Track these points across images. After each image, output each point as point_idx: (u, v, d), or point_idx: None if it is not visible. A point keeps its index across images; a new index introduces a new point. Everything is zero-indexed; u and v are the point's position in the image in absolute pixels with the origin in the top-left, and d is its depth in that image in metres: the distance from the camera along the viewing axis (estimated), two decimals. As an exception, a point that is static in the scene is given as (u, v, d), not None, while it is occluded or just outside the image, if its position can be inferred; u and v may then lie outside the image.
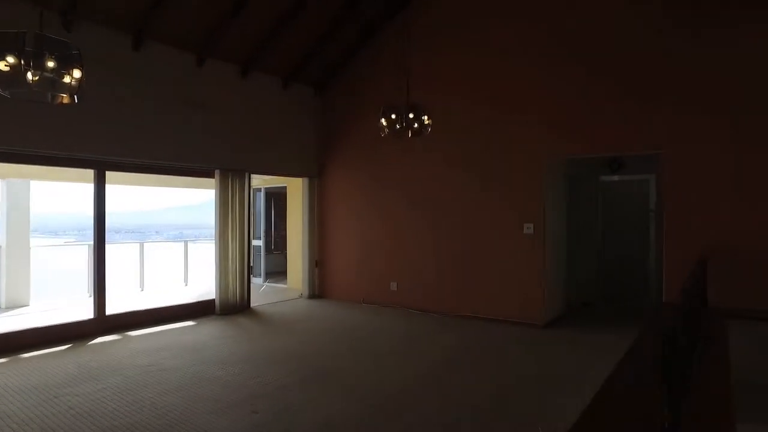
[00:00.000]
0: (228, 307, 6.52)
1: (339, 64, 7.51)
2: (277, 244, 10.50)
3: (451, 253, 6.50)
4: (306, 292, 7.77)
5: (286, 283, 8.98)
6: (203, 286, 8.71)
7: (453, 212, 6.48)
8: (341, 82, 7.66)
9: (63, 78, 2.54)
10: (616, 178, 7.27)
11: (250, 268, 6.95)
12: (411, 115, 4.64)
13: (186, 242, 9.27)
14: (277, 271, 10.06)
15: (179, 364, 4.37)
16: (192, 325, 5.91)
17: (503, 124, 6.05)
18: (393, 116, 4.71)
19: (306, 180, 7.80)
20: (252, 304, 6.98)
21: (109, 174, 5.55)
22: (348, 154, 7.57)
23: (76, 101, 2.66)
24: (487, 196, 6.19)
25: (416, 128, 4.72)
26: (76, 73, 2.56)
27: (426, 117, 4.65)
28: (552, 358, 4.69)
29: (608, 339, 5.19)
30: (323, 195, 7.86)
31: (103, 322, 5.52)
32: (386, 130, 4.80)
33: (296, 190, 8.47)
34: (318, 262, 7.87)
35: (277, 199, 10.27)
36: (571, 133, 5.61)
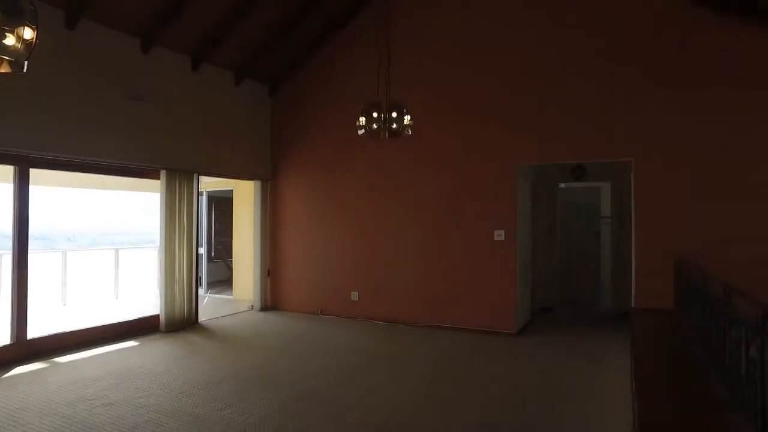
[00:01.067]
0: (175, 323, 5.82)
1: (297, 60, 7.05)
2: (218, 252, 9.75)
3: (419, 260, 6.27)
4: (258, 304, 7.19)
5: (231, 294, 8.30)
6: (138, 299, 7.84)
7: (421, 218, 6.26)
8: (299, 80, 7.20)
9: (5, 37, 1.93)
10: (574, 185, 7.46)
11: (198, 279, 6.27)
12: (394, 114, 4.35)
13: (117, 250, 8.27)
14: (218, 281, 9.33)
15: (129, 396, 3.71)
16: (135, 346, 5.17)
17: (474, 129, 5.94)
18: (375, 114, 4.41)
19: (258, 183, 7.24)
20: (200, 319, 6.31)
21: (34, 173, 4.73)
22: (304, 156, 7.12)
23: (23, 71, 2.02)
24: (458, 202, 6.04)
25: (395, 128, 4.43)
26: (27, 33, 1.95)
27: (408, 117, 4.37)
28: (546, 368, 4.56)
29: (583, 345, 5.23)
30: (277, 199, 7.34)
31: (25, 348, 4.66)
32: (364, 129, 4.49)
33: (245, 193, 7.86)
34: (270, 271, 7.32)
35: (219, 204, 9.55)
36: (544, 140, 5.60)
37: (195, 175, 6.12)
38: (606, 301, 7.51)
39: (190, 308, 6.05)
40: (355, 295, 6.68)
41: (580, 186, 7.54)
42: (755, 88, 4.72)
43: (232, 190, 8.33)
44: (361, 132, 4.51)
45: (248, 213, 7.78)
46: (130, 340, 5.35)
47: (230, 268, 8.72)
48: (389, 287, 6.44)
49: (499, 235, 5.81)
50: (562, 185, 7.42)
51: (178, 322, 5.85)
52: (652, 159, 5.12)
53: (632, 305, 5.18)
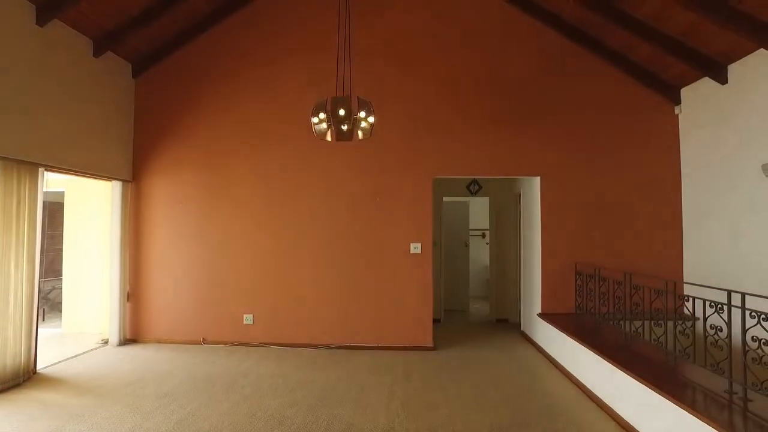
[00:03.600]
0: (6, 379, 4.13)
1: (180, 37, 5.84)
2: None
3: (327, 276, 5.74)
4: (115, 337, 5.64)
5: (60, 326, 6.36)
6: None
7: (330, 229, 5.75)
8: (176, 61, 5.95)
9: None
10: (451, 199, 7.84)
11: (42, 312, 4.59)
12: (363, 114, 3.82)
13: None
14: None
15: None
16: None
17: (393, 139, 5.72)
18: (322, 115, 3.81)
19: (118, 185, 5.72)
20: (38, 367, 4.63)
21: None
22: (182, 154, 5.90)
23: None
24: (373, 213, 5.73)
25: (347, 129, 3.90)
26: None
27: (371, 117, 3.87)
28: (494, 380, 4.54)
29: (500, 355, 5.44)
30: (142, 205, 5.91)
31: None
32: (321, 131, 3.87)
33: (89, 197, 6.16)
34: (130, 294, 5.85)
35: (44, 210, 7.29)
36: (463, 156, 5.72)
37: (39, 170, 4.49)
38: (482, 310, 8.08)
39: (28, 354, 4.37)
40: (248, 318, 5.77)
41: (451, 200, 8.00)
42: (621, 120, 5.63)
43: (63, 192, 6.43)
44: (327, 136, 3.89)
45: (90, 221, 6.13)
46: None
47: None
48: (290, 307, 5.74)
49: (416, 247, 5.71)
50: (445, 199, 7.72)
51: (9, 377, 4.16)
52: (555, 177, 5.65)
53: (540, 310, 5.62)
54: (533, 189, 5.88)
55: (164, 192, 5.89)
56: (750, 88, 4.50)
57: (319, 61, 5.80)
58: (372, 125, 3.92)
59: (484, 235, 9.40)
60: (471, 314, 7.96)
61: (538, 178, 5.68)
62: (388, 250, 5.71)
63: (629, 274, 4.17)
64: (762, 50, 4.26)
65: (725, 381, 2.96)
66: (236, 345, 5.70)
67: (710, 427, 2.60)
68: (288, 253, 5.77)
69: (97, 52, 5.24)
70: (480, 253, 9.43)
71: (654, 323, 3.85)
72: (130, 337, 5.81)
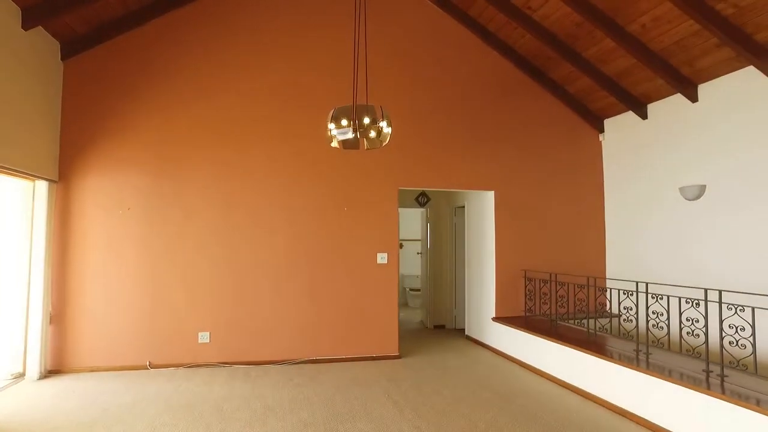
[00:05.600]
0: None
1: (129, 17, 5.15)
2: None
3: (293, 289, 5.49)
4: (36, 369, 4.65)
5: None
6: None
7: (294, 239, 5.53)
8: (118, 46, 5.22)
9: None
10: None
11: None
12: (381, 123, 3.78)
13: None
14: None
15: None
16: None
17: (360, 152, 5.72)
18: (345, 122, 3.74)
19: (43, 185, 4.78)
20: (-48, 411, 3.65)
21: None
22: (127, 155, 5.18)
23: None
24: (339, 223, 5.65)
25: (357, 137, 3.85)
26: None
27: (386, 123, 3.85)
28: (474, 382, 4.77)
29: (463, 358, 5.74)
30: (73, 210, 5.02)
31: None
32: (335, 140, 3.76)
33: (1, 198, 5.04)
34: (53, 316, 4.90)
35: None
36: (426, 168, 5.96)
37: (-33, 164, 3.59)
38: (412, 317, 8.39)
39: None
40: (203, 337, 5.24)
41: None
42: (560, 141, 6.44)
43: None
44: (335, 144, 3.77)
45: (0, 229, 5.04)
46: None
47: None
48: (251, 322, 5.36)
49: (383, 257, 5.77)
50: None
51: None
52: (507, 191, 6.20)
53: (494, 315, 6.07)
54: (485, 202, 6.36)
55: (102, 196, 5.09)
56: (667, 125, 5.53)
57: (289, 63, 5.62)
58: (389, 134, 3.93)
59: (401, 245, 9.74)
60: (403, 322, 8.20)
61: (492, 192, 6.18)
62: (356, 261, 5.69)
63: (577, 277, 4.80)
64: (679, 94, 5.28)
65: (633, 343, 3.63)
66: (191, 367, 5.13)
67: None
68: (248, 265, 5.39)
69: (27, 24, 4.38)
70: (404, 262, 9.73)
71: (582, 315, 4.62)
72: (53, 368, 4.86)
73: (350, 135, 3.74)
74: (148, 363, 5.07)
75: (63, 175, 5.02)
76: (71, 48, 5.06)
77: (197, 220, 5.29)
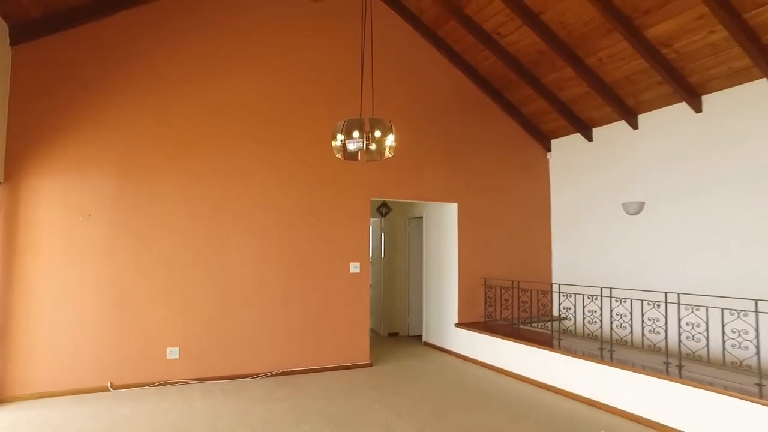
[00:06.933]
0: None
1: (96, 4, 4.71)
2: None
3: (265, 300, 5.33)
4: (-23, 397, 4.04)
5: None
6: None
7: (268, 252, 5.39)
8: (85, 37, 4.75)
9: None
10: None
11: None
12: (378, 134, 3.86)
13: None
14: None
15: None
16: None
17: (333, 159, 5.73)
18: (357, 135, 3.79)
19: (-11, 184, 4.20)
20: None
21: None
22: (88, 155, 4.70)
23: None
24: (312, 233, 5.61)
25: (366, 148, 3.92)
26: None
27: (392, 136, 3.94)
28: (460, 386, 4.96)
29: (431, 364, 5.95)
30: (21, 214, 4.44)
31: None
32: (340, 151, 3.80)
33: None
34: (-6, 334, 4.29)
35: None
36: (397, 180, 6.12)
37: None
38: (371, 325, 8.44)
39: None
40: (172, 352, 4.89)
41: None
42: (515, 158, 6.98)
43: None
44: (338, 155, 3.80)
45: None
46: None
47: None
48: (222, 336, 5.12)
49: (355, 267, 5.82)
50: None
51: None
52: (469, 203, 6.56)
53: (457, 321, 6.37)
54: (447, 213, 6.67)
55: (58, 200, 4.57)
56: (610, 148, 6.25)
57: (265, 74, 5.50)
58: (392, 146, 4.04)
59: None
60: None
61: (456, 204, 6.51)
62: (329, 271, 5.67)
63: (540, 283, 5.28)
64: (623, 121, 6.01)
65: (597, 342, 4.19)
66: (159, 385, 4.76)
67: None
68: (220, 278, 5.15)
69: (-19, 4, 3.87)
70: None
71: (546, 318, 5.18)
72: (-7, 394, 4.26)
73: (361, 146, 3.80)
74: (109, 384, 4.62)
75: (10, 175, 4.44)
76: (23, 32, 4.51)
77: (166, 228, 4.95)
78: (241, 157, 5.32)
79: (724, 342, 3.75)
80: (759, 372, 3.51)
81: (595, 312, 4.87)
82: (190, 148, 5.10)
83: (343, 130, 3.79)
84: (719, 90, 5.08)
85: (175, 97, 5.08)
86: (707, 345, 3.91)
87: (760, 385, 3.42)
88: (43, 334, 4.45)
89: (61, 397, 4.40)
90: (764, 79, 4.67)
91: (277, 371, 5.29)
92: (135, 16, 4.96)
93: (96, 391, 4.55)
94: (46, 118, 4.59)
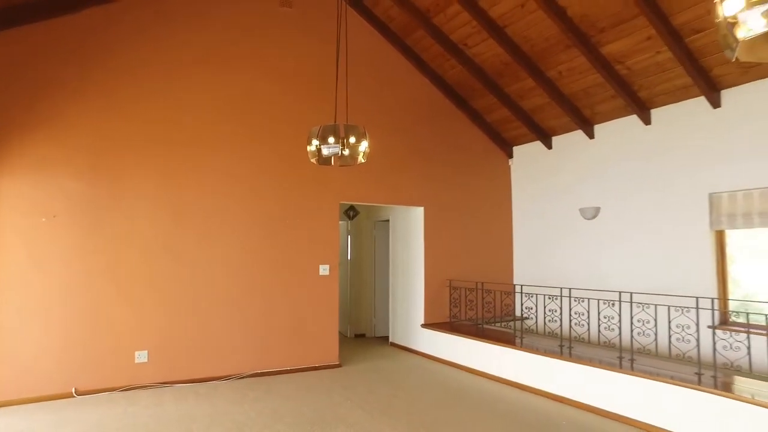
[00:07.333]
0: None
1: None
2: None
3: (235, 302, 5.34)
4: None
5: None
6: None
7: (238, 253, 5.40)
8: (50, 31, 4.62)
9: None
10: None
11: None
12: (353, 140, 3.99)
13: None
14: None
15: None
16: None
17: (304, 162, 5.80)
18: (332, 140, 3.90)
19: (-53, 184, 4.02)
20: None
21: None
22: (54, 154, 4.59)
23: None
24: (283, 236, 5.66)
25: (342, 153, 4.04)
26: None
27: (366, 142, 4.07)
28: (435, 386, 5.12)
29: (398, 364, 6.11)
30: (-22, 215, 4.29)
31: None
32: (316, 156, 3.91)
33: None
34: (-50, 341, 4.12)
35: None
36: (366, 185, 6.24)
37: None
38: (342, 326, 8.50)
39: None
40: (141, 356, 4.83)
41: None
42: (480, 164, 7.26)
43: None
44: (313, 159, 3.91)
45: None
46: None
47: None
48: (192, 338, 5.09)
49: (325, 269, 5.91)
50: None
51: None
52: (435, 207, 6.77)
53: (423, 321, 6.56)
54: (413, 216, 6.86)
55: (19, 200, 4.43)
56: (568, 155, 6.62)
57: (241, 75, 5.52)
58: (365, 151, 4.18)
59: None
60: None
61: (422, 208, 6.71)
62: (299, 273, 5.73)
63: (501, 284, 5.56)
64: (580, 131, 6.38)
65: (556, 339, 4.51)
66: (127, 390, 4.69)
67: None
68: (189, 280, 5.12)
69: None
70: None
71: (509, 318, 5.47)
72: (-50, 403, 4.09)
73: (337, 152, 3.92)
74: (73, 390, 4.52)
75: (-31, 174, 4.28)
76: (-16, 26, 4.37)
77: (134, 231, 4.88)
78: (211, 161, 5.31)
79: (670, 336, 4.11)
80: (699, 363, 3.87)
81: (556, 311, 5.17)
82: (161, 150, 5.06)
83: (319, 135, 3.91)
84: (666, 105, 5.51)
85: (144, 98, 5.02)
86: (656, 339, 4.25)
87: (699, 374, 3.76)
88: (4, 340, 4.31)
89: (23, 405, 4.27)
90: (702, 97, 5.11)
91: (248, 373, 5.31)
92: (102, 14, 4.87)
93: (59, 398, 4.44)
94: (4, 115, 4.44)
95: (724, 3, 1.24)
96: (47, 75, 4.62)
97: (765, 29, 1.18)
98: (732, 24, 1.23)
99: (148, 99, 5.03)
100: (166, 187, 5.06)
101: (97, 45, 4.84)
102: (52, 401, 4.39)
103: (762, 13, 1.19)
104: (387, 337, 7.54)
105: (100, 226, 4.74)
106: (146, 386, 4.80)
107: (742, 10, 1.20)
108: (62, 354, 4.52)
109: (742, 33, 1.22)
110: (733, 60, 1.29)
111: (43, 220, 4.51)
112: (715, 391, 3.49)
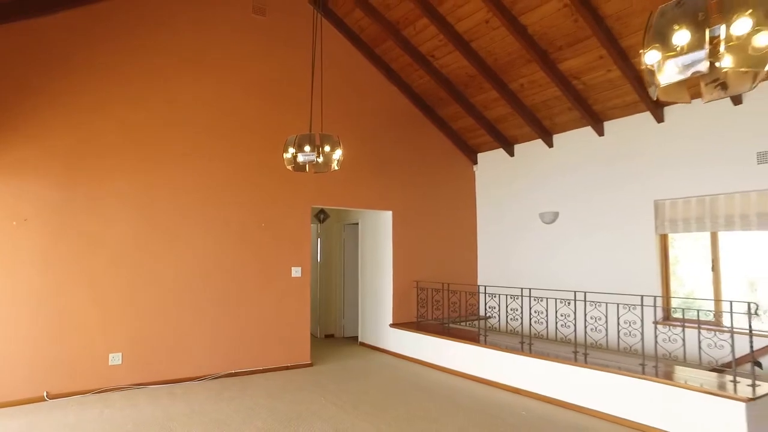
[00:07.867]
0: None
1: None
2: None
3: (208, 303, 5.44)
4: None
5: None
6: None
7: (211, 255, 5.50)
8: (31, 30, 4.60)
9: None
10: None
11: None
12: (327, 148, 4.20)
13: None
14: None
15: None
16: None
17: (277, 167, 5.96)
18: (308, 149, 4.09)
19: None
20: None
21: None
22: (28, 156, 4.57)
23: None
24: (256, 239, 5.79)
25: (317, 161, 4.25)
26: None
27: (340, 150, 4.28)
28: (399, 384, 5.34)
29: (368, 362, 6.32)
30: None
31: None
32: (292, 163, 4.10)
33: None
34: None
35: None
36: (337, 188, 6.44)
37: None
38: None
39: None
40: (115, 358, 4.87)
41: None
42: (446, 169, 7.58)
43: None
44: (289, 166, 4.10)
45: None
46: None
47: None
48: (166, 339, 5.16)
49: (297, 271, 6.07)
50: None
51: None
52: (403, 212, 7.04)
53: (392, 321, 6.80)
54: (382, 220, 7.10)
55: (-9, 203, 4.41)
56: (529, 163, 7.02)
57: (215, 81, 5.61)
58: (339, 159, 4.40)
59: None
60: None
61: (391, 212, 6.96)
62: (272, 275, 5.87)
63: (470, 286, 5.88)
64: (540, 140, 6.78)
65: (517, 336, 4.88)
66: (101, 392, 4.72)
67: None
68: (163, 281, 5.19)
69: None
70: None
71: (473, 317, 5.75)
72: None
73: (313, 159, 4.12)
74: (45, 393, 4.52)
75: (-63, 177, 4.24)
76: (-46, 30, 4.34)
77: (106, 234, 4.92)
78: (184, 164, 5.39)
79: (619, 332, 4.50)
80: (642, 354, 4.26)
81: (517, 310, 5.52)
82: (133, 153, 5.10)
83: (295, 143, 4.09)
84: (617, 118, 5.96)
85: (119, 102, 5.06)
86: (606, 335, 4.64)
87: (643, 365, 4.15)
88: (-27, 345, 4.28)
89: (-7, 409, 4.26)
90: (648, 113, 5.57)
91: (221, 373, 5.41)
92: (77, 17, 4.89)
93: (30, 402, 4.44)
94: (-22, 119, 4.42)
95: (646, 54, 1.53)
96: (17, 78, 4.60)
97: (677, 78, 1.47)
98: (651, 71, 1.52)
99: (118, 106, 5.07)
100: (138, 190, 5.12)
101: (68, 49, 4.85)
102: (22, 406, 4.37)
103: (676, 65, 1.48)
104: (356, 337, 7.75)
105: (69, 230, 4.75)
106: (121, 388, 4.84)
107: (659, 62, 1.49)
108: (33, 358, 4.51)
109: (661, 79, 1.52)
110: (655, 99, 1.58)
111: (14, 223, 4.50)
112: (657, 379, 3.88)
